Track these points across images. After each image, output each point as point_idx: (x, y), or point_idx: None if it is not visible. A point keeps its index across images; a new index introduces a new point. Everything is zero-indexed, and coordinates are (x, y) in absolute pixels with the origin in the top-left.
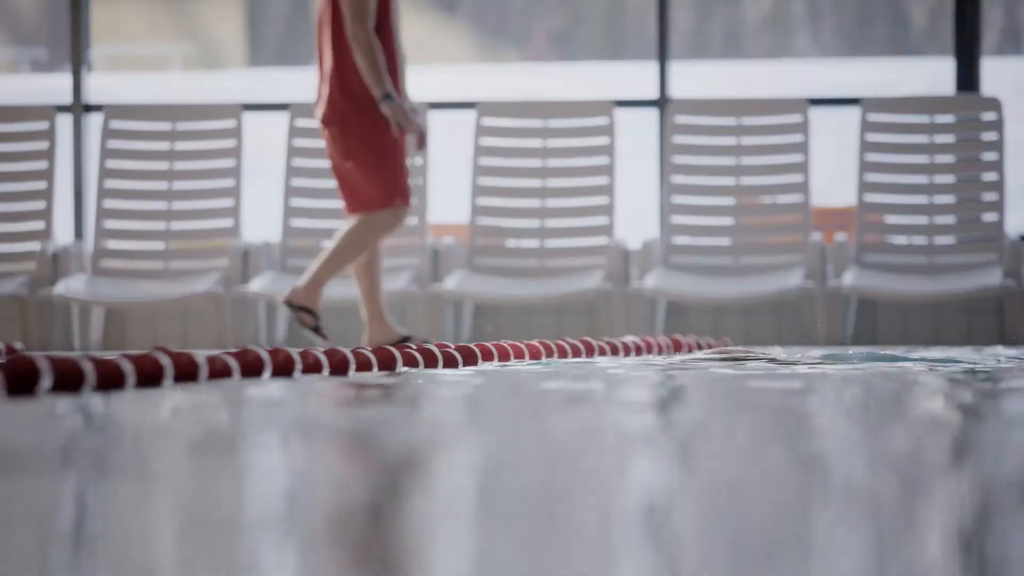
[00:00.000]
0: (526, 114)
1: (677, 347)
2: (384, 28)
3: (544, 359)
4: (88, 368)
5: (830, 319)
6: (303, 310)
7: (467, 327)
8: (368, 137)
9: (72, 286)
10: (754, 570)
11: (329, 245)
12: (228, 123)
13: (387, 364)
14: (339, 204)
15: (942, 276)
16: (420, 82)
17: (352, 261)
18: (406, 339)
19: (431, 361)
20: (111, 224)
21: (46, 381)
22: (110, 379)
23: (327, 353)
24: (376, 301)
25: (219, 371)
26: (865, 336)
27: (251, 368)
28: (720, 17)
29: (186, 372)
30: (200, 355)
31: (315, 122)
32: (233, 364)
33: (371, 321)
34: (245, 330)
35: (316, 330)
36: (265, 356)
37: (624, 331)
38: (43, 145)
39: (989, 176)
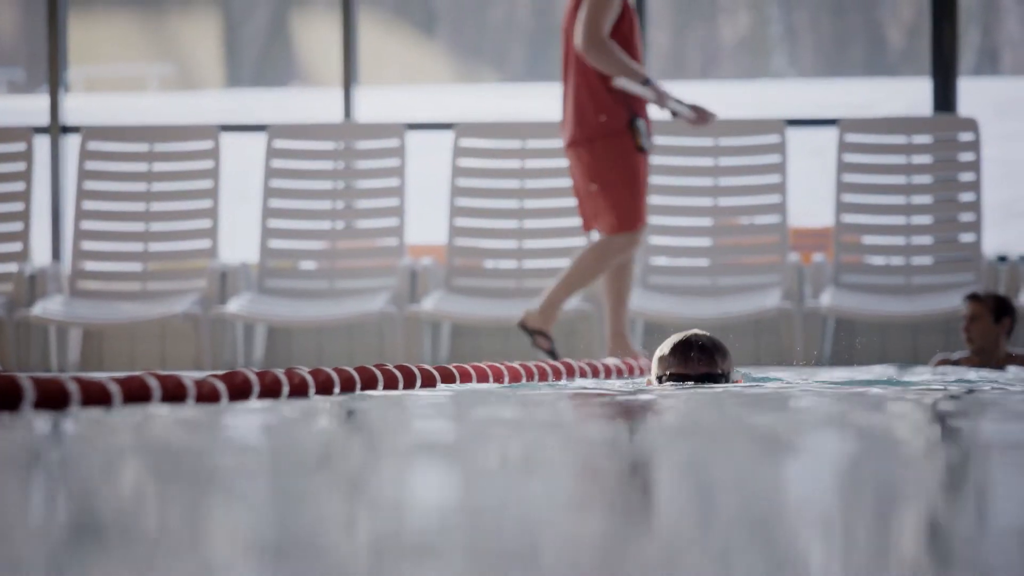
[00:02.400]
0: (504, 135)
1: None
2: (630, 43)
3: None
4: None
5: (808, 339)
6: (538, 333)
7: (445, 348)
8: (614, 160)
9: (50, 307)
10: None
11: (565, 268)
12: (206, 144)
13: (368, 383)
14: (318, 226)
15: (920, 296)
16: (397, 103)
17: (588, 284)
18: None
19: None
20: (89, 245)
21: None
22: (96, 399)
23: (312, 373)
24: (620, 320)
25: (207, 393)
26: (843, 356)
27: (239, 390)
28: (697, 37)
29: (173, 394)
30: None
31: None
32: (221, 387)
33: (613, 338)
34: (223, 351)
35: (551, 353)
36: (253, 378)
37: (602, 352)
38: (20, 166)
39: (966, 196)
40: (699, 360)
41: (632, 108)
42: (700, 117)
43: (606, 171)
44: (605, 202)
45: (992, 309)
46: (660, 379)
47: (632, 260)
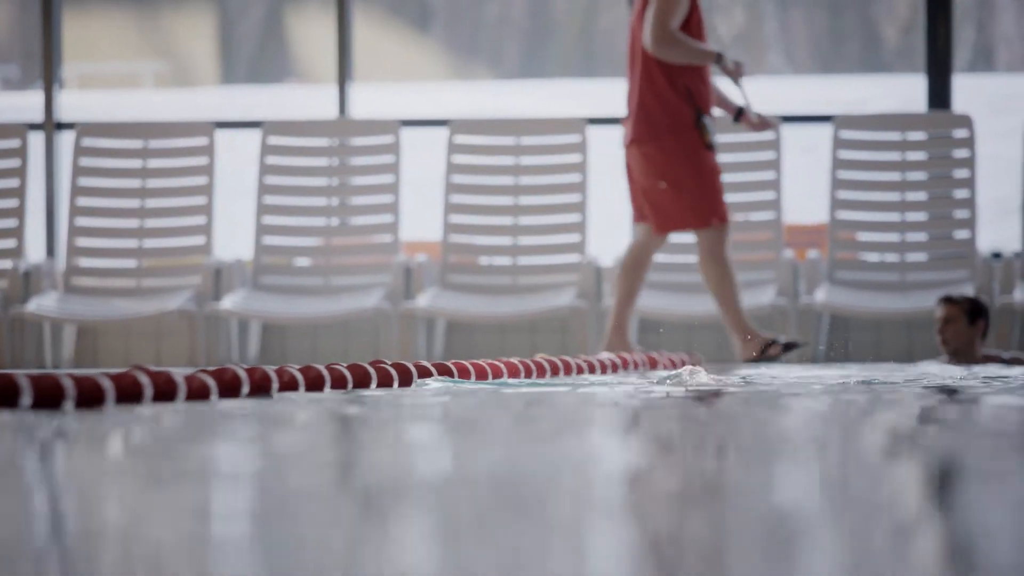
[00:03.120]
0: (498, 132)
1: (653, 365)
2: (698, 40)
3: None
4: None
5: (802, 336)
6: (769, 346)
7: (439, 345)
8: (685, 158)
9: (44, 304)
10: None
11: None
12: (200, 141)
13: (361, 381)
14: (313, 222)
15: (914, 293)
16: (392, 100)
17: (732, 288)
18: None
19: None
20: (83, 242)
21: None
22: (89, 397)
23: (302, 370)
24: (624, 314)
25: (197, 390)
26: (837, 353)
27: (229, 386)
28: None
29: (164, 391)
30: (178, 373)
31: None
32: (211, 383)
33: (613, 331)
34: (217, 348)
35: (790, 346)
36: (242, 374)
37: (597, 348)
38: (15, 163)
39: (961, 193)
40: None
41: (698, 105)
42: (762, 122)
43: (676, 169)
44: (680, 201)
45: (967, 311)
46: None
47: (648, 262)
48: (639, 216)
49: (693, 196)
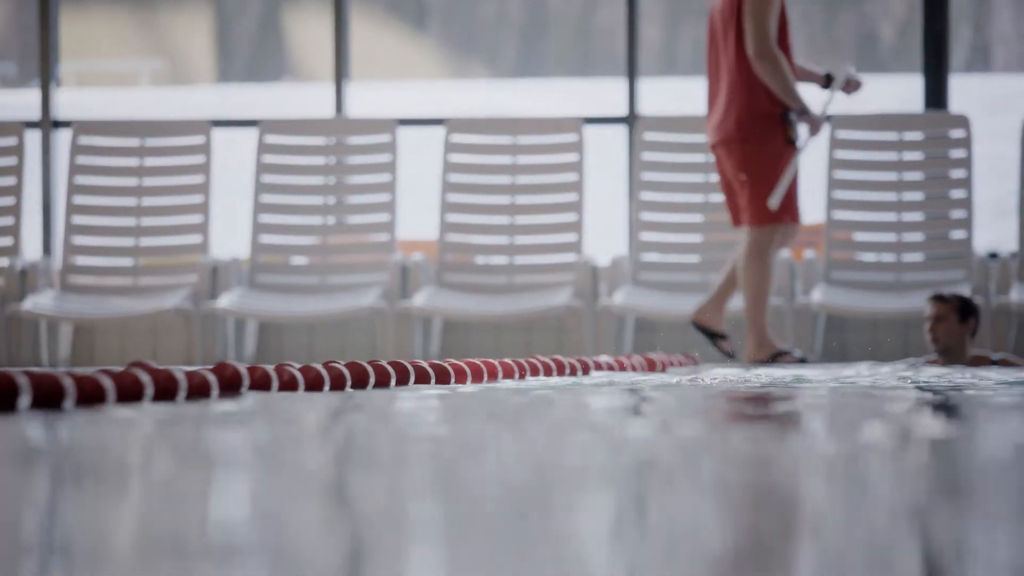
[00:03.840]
0: (495, 131)
1: (651, 367)
2: (784, 41)
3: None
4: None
5: (799, 336)
6: (780, 355)
7: (436, 344)
8: (765, 154)
9: (40, 302)
10: None
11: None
12: (197, 139)
13: (360, 380)
14: (309, 221)
15: (910, 293)
16: (389, 98)
17: (766, 286)
18: (722, 338)
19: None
20: (80, 240)
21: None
22: (90, 395)
23: (302, 370)
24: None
25: (197, 387)
26: (834, 353)
27: (229, 384)
28: (689, 33)
29: (165, 388)
30: (178, 371)
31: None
32: (211, 379)
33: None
34: (214, 346)
35: (731, 355)
36: (243, 371)
37: (593, 348)
38: (11, 161)
39: (957, 193)
40: None
41: (783, 102)
42: (852, 84)
43: (755, 164)
44: (750, 194)
45: (957, 309)
46: None
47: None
48: (736, 220)
49: (766, 192)
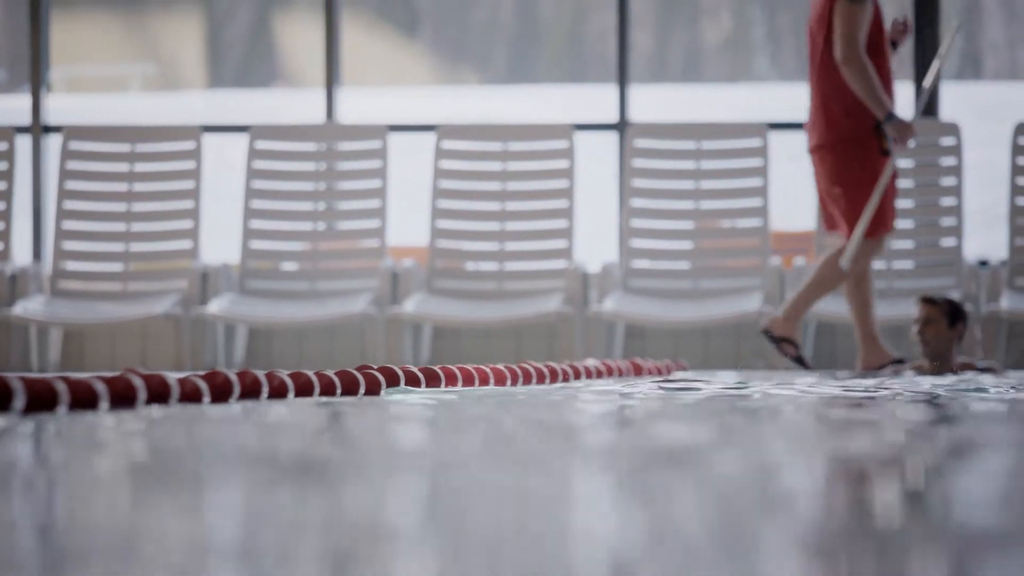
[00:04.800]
0: (486, 137)
1: (637, 371)
2: (879, 45)
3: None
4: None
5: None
6: (783, 340)
7: (426, 350)
8: (860, 163)
9: (30, 307)
10: None
11: (808, 275)
12: (187, 144)
13: (350, 387)
14: (300, 227)
15: (900, 301)
16: (380, 104)
17: (831, 291)
18: (899, 361)
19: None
20: (70, 245)
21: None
22: (82, 400)
23: (292, 376)
24: (868, 323)
25: (189, 393)
26: (823, 360)
27: (220, 390)
28: (680, 40)
29: (158, 393)
30: (171, 377)
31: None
32: (202, 386)
33: (864, 343)
34: (204, 352)
35: (799, 360)
36: (233, 378)
37: (583, 354)
38: (2, 166)
39: (948, 201)
40: None
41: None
42: (903, 135)
43: (850, 174)
44: (847, 205)
45: (946, 313)
46: None
47: (870, 267)
48: (830, 224)
49: (864, 202)
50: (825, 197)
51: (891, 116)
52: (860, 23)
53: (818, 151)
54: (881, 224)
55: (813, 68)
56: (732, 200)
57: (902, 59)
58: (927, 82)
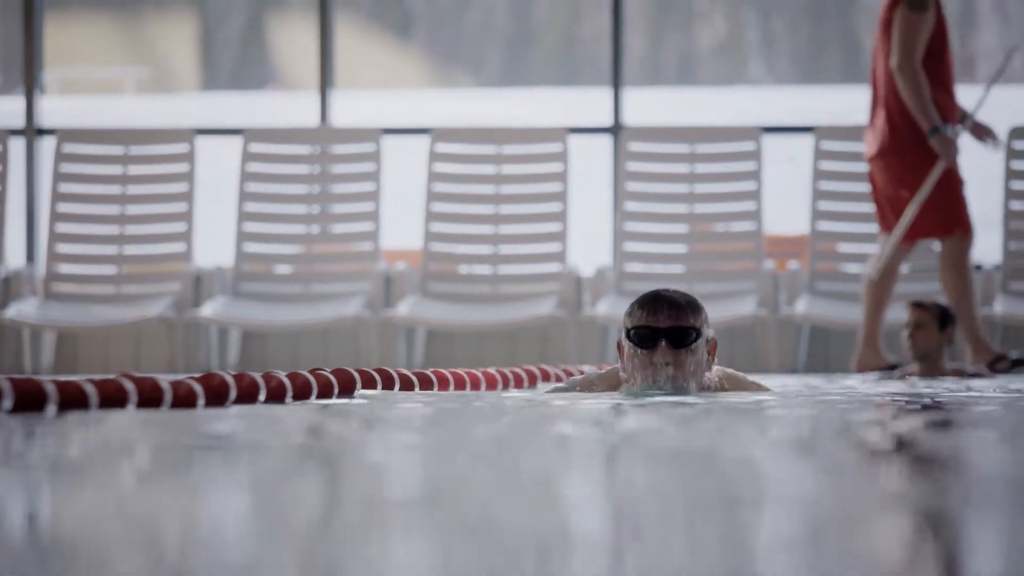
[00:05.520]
0: (479, 140)
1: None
2: (942, 53)
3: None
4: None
5: (783, 346)
6: (999, 360)
7: (420, 353)
8: (925, 168)
9: (23, 310)
10: None
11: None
12: (181, 147)
13: (347, 387)
14: (293, 230)
15: (895, 305)
16: (373, 107)
17: (971, 297)
18: (891, 367)
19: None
20: (63, 248)
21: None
22: (72, 402)
23: (289, 377)
24: (875, 325)
25: (183, 396)
26: (818, 364)
27: (216, 393)
28: (674, 44)
29: (150, 397)
30: (164, 380)
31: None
32: (197, 389)
33: (864, 343)
34: (197, 355)
35: (1017, 363)
36: (230, 381)
37: (577, 357)
38: None
39: None
40: (668, 313)
41: (943, 116)
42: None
43: (920, 179)
44: (924, 210)
45: (937, 317)
46: (628, 333)
47: (897, 273)
48: (885, 226)
49: (936, 205)
50: (885, 202)
51: (936, 130)
52: (919, 33)
53: (882, 157)
54: (957, 223)
55: (877, 74)
56: (726, 204)
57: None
58: (975, 108)
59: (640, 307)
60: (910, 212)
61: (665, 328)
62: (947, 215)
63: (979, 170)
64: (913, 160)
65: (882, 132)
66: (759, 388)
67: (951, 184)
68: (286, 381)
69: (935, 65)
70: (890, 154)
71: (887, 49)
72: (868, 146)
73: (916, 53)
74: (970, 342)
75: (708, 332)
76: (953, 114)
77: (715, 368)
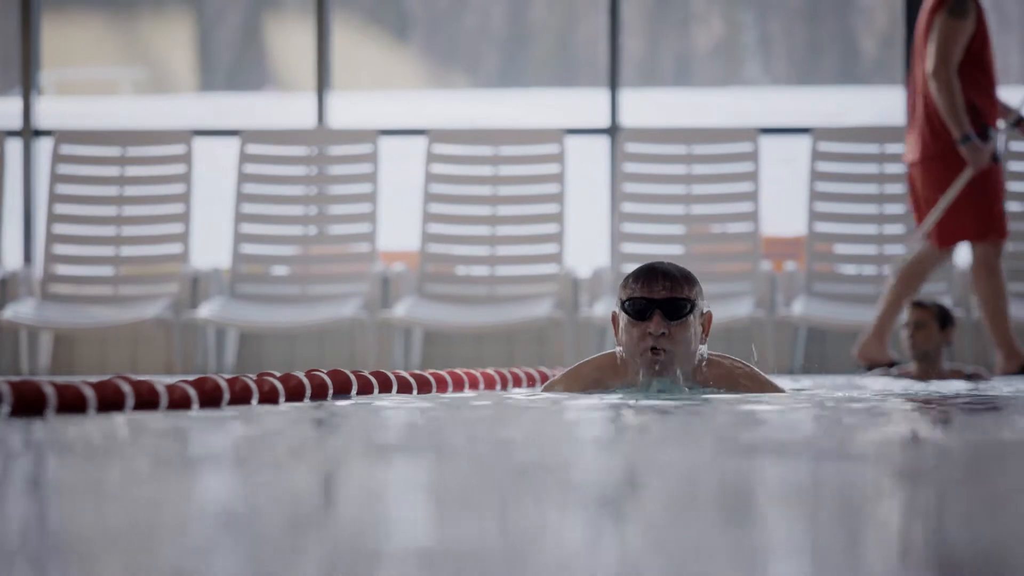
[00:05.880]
0: (477, 141)
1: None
2: (983, 58)
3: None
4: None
5: (779, 348)
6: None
7: (417, 354)
8: (963, 172)
9: (21, 311)
10: None
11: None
12: (178, 149)
13: (342, 388)
14: (290, 231)
15: None
16: (371, 108)
17: (1003, 303)
18: (892, 364)
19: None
20: (60, 249)
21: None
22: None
23: (282, 379)
24: (889, 317)
25: (178, 399)
26: (814, 365)
27: (209, 396)
28: (671, 45)
29: (146, 399)
30: (159, 382)
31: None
32: (192, 392)
33: (874, 334)
34: (194, 356)
35: None
36: (223, 384)
37: (574, 359)
38: None
39: None
40: (663, 285)
41: (984, 120)
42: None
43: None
44: (962, 214)
45: (936, 316)
46: (623, 304)
47: (927, 275)
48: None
49: (975, 210)
50: (926, 206)
51: (967, 138)
52: (957, 39)
53: (924, 162)
54: (993, 228)
55: (918, 78)
56: (723, 205)
57: (892, 65)
58: (1020, 106)
59: (635, 279)
60: (935, 215)
61: (660, 299)
62: (984, 220)
63: None
64: (959, 165)
65: (925, 137)
66: (777, 390)
67: (989, 189)
68: (279, 385)
69: (976, 69)
70: (934, 159)
71: (925, 54)
72: (909, 150)
73: (952, 60)
74: (1001, 346)
75: (703, 305)
76: (994, 117)
77: (738, 368)
